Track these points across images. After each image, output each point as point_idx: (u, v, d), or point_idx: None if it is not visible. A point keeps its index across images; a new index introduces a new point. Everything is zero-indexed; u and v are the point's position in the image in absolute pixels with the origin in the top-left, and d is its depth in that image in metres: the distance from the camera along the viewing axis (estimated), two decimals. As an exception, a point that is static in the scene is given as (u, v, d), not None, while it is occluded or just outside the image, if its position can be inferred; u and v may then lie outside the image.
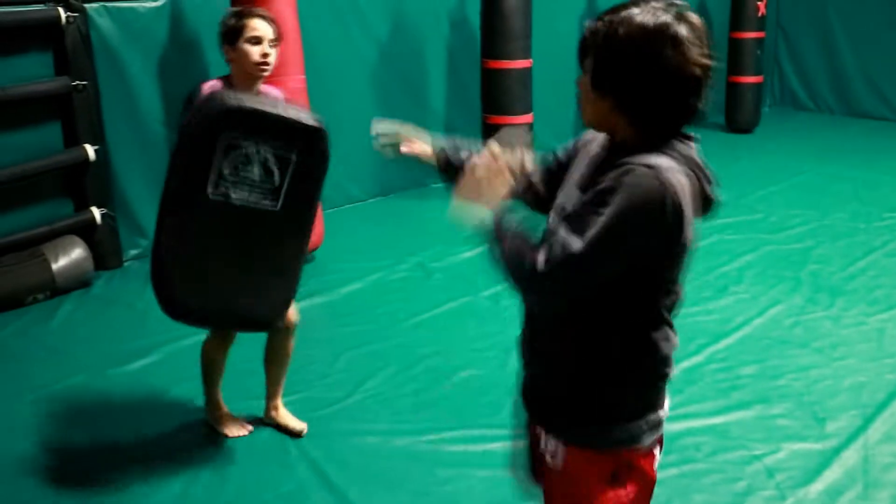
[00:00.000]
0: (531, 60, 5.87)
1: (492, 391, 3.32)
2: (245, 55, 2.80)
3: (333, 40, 5.54)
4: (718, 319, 3.96)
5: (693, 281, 4.39)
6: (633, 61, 1.48)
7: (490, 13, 5.72)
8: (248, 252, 2.64)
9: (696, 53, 1.50)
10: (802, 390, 3.34)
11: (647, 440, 1.66)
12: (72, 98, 4.40)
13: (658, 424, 1.68)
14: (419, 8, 6.00)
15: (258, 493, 2.75)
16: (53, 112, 4.45)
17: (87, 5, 4.44)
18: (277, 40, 2.88)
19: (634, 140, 1.54)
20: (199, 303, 2.65)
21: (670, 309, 1.64)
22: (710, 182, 1.67)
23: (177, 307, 2.65)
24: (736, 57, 7.79)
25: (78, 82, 4.39)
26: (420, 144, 1.97)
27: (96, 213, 4.57)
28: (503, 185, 1.62)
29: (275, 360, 3.07)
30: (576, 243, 1.42)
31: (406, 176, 6.17)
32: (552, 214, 1.65)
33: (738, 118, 7.95)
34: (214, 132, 2.47)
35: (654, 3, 1.53)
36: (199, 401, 3.20)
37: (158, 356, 3.66)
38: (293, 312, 2.98)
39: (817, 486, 2.73)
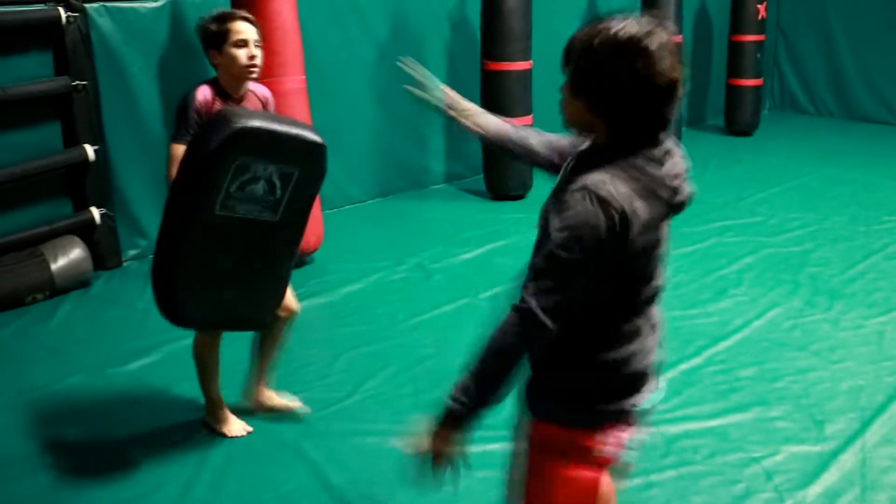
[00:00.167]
0: (531, 62, 5.88)
1: (491, 392, 3.31)
2: (233, 59, 2.83)
3: (333, 41, 5.54)
4: (717, 322, 3.97)
5: (692, 283, 4.40)
6: (607, 70, 1.62)
7: (490, 15, 5.73)
8: (246, 259, 2.71)
9: (664, 66, 1.61)
10: (801, 393, 3.34)
11: (606, 425, 1.74)
12: (72, 98, 4.40)
13: (621, 413, 1.75)
14: (419, 9, 6.00)
15: (257, 494, 2.75)
16: (53, 112, 4.45)
17: (87, 5, 4.44)
18: (261, 40, 2.91)
19: (607, 141, 1.67)
20: (201, 311, 2.72)
21: (649, 300, 1.74)
22: (673, 184, 1.74)
23: (180, 316, 2.72)
24: (736, 60, 7.80)
25: (78, 82, 4.40)
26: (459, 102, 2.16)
27: (95, 213, 4.57)
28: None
29: (271, 346, 3.11)
30: (530, 299, 1.59)
31: (405, 177, 6.18)
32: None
33: (738, 121, 7.97)
34: (229, 156, 2.51)
35: (632, 18, 1.67)
36: (199, 401, 3.19)
37: (157, 356, 3.66)
38: (293, 301, 3.02)
39: (815, 489, 2.74)
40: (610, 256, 1.60)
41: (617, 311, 1.71)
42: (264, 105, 3.02)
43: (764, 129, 8.14)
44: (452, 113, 2.17)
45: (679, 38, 6.90)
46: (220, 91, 2.86)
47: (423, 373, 3.49)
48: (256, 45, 2.87)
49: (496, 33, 5.72)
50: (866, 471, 2.83)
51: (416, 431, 1.76)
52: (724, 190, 6.20)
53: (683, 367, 3.54)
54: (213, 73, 2.99)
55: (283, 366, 3.53)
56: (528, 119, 5.89)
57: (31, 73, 4.32)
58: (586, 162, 1.67)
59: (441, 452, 1.72)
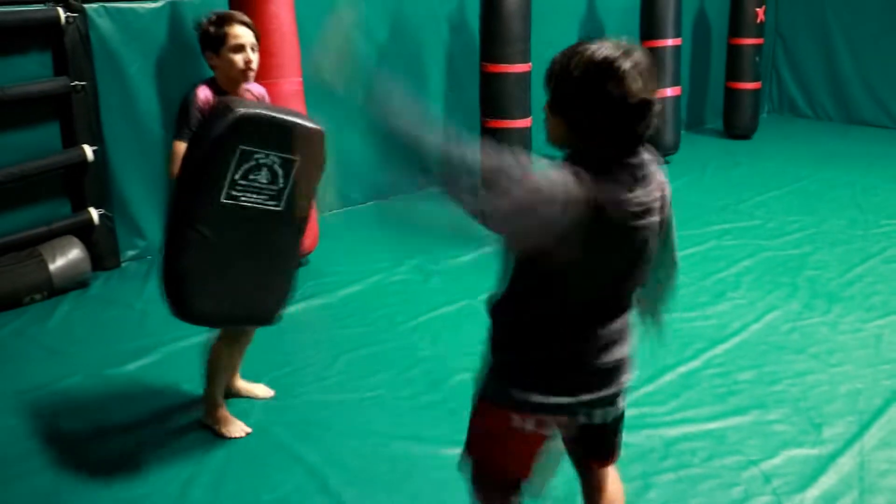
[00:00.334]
0: (530, 64, 5.88)
1: (489, 395, 3.32)
2: (230, 63, 2.88)
3: (333, 43, 5.54)
4: (716, 325, 3.97)
5: (690, 286, 4.41)
6: (582, 89, 1.73)
7: (489, 17, 5.72)
8: (254, 251, 2.73)
9: (636, 86, 1.73)
10: (799, 396, 3.34)
11: (527, 412, 1.87)
12: (70, 98, 4.40)
13: (540, 407, 1.86)
14: (418, 11, 6.00)
15: (256, 495, 2.75)
16: (52, 112, 4.45)
17: (86, 6, 4.44)
18: (258, 43, 2.94)
19: (584, 155, 1.77)
20: (213, 307, 2.72)
21: (586, 315, 1.85)
22: (636, 210, 1.78)
23: (192, 315, 2.73)
24: (735, 63, 7.80)
25: (77, 83, 4.39)
26: None
27: (94, 213, 4.57)
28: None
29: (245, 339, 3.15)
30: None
31: (404, 179, 6.17)
32: None
33: (737, 124, 7.97)
34: (231, 143, 2.54)
35: (609, 42, 1.76)
36: (198, 401, 3.19)
37: (156, 357, 3.66)
38: None
39: (813, 492, 2.74)
40: (566, 227, 1.67)
41: (545, 309, 1.83)
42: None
43: (762, 133, 8.15)
44: None
45: (679, 41, 6.92)
46: (218, 90, 2.89)
47: (422, 374, 3.49)
48: (253, 50, 2.91)
49: (495, 35, 5.72)
50: (864, 474, 2.83)
51: None
52: (723, 193, 6.21)
53: (682, 369, 3.54)
54: (211, 73, 3.00)
55: (281, 367, 3.54)
56: (528, 121, 5.89)
57: (31, 73, 4.32)
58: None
59: None
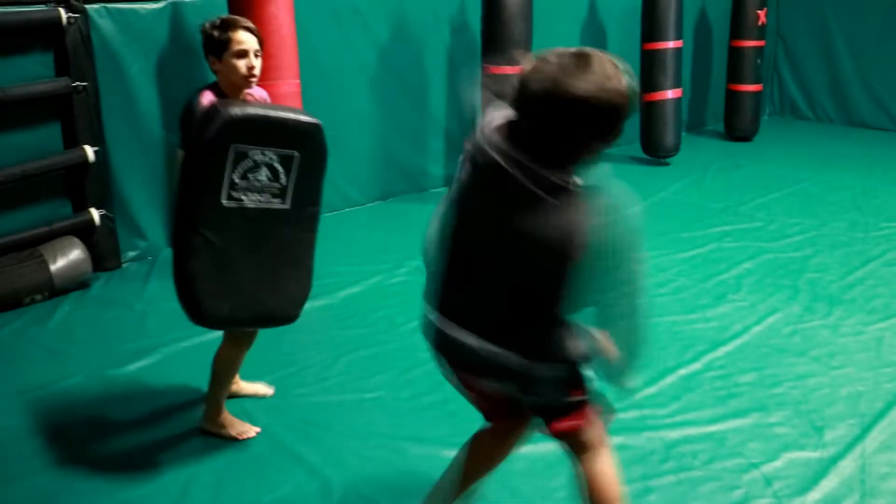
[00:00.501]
0: (531, 66, 5.87)
1: (490, 396, 3.32)
2: (232, 69, 2.89)
3: (334, 44, 5.54)
4: (716, 327, 3.97)
5: (691, 288, 4.41)
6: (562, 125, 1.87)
7: (490, 19, 5.72)
8: (265, 252, 2.74)
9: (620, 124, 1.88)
10: (800, 399, 3.34)
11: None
12: (72, 99, 4.40)
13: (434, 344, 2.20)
14: (420, 13, 6.01)
15: (256, 496, 2.74)
16: (53, 113, 4.45)
17: (88, 6, 4.44)
18: (261, 49, 2.95)
19: None
20: (228, 310, 2.70)
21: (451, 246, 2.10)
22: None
23: (207, 318, 2.72)
24: (736, 65, 7.81)
25: (78, 83, 4.40)
26: None
27: (95, 214, 4.57)
28: None
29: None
30: None
31: (405, 180, 6.17)
32: None
33: (738, 126, 7.97)
34: (224, 145, 2.55)
35: (590, 72, 1.83)
36: (198, 403, 3.19)
37: (157, 357, 3.66)
38: None
39: (814, 495, 2.73)
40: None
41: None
42: None
43: (763, 135, 8.15)
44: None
45: (680, 43, 6.91)
46: (220, 95, 2.90)
47: (423, 376, 3.48)
48: (256, 55, 2.92)
49: (497, 38, 5.72)
50: (865, 477, 2.83)
51: None
52: (724, 195, 6.21)
53: (682, 372, 3.54)
54: (212, 75, 3.01)
55: (282, 368, 3.54)
56: (529, 123, 5.88)
57: (32, 73, 4.32)
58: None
59: None
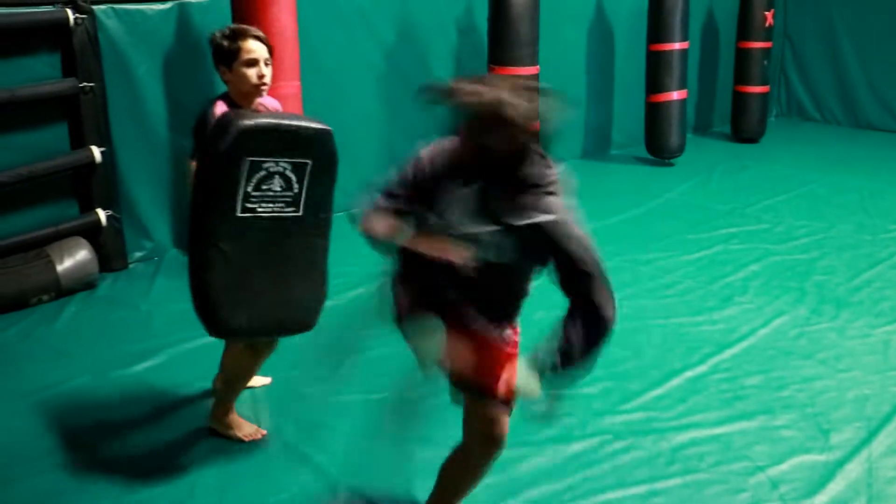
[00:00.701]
0: (538, 67, 5.88)
1: (495, 398, 3.31)
2: (243, 78, 2.88)
3: (340, 46, 5.54)
4: (723, 329, 3.96)
5: (697, 290, 4.40)
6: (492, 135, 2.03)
7: (497, 20, 5.73)
8: (280, 260, 2.74)
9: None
10: (807, 402, 3.33)
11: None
12: (79, 99, 4.41)
13: None
14: (426, 14, 6.00)
15: (262, 498, 2.75)
16: (60, 113, 4.45)
17: (95, 7, 4.45)
18: (271, 57, 2.94)
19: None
20: (245, 321, 2.71)
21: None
22: None
23: (224, 329, 2.73)
24: (743, 67, 7.81)
25: (85, 84, 4.40)
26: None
27: (102, 214, 4.57)
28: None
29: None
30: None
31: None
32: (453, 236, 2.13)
33: (745, 128, 7.96)
34: (238, 157, 2.55)
35: (521, 98, 2.05)
36: (204, 403, 3.20)
37: (163, 358, 3.66)
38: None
39: (821, 499, 2.73)
40: None
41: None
42: None
43: (770, 137, 8.13)
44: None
45: (686, 45, 6.90)
46: (232, 105, 2.89)
47: (427, 379, 3.47)
48: (266, 64, 2.91)
49: (503, 38, 5.72)
50: (872, 481, 2.82)
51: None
52: (730, 197, 6.19)
53: (689, 374, 3.53)
54: (218, 78, 3.01)
55: (287, 368, 3.54)
56: (535, 124, 5.88)
57: (39, 74, 4.33)
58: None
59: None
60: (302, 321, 2.87)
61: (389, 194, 2.25)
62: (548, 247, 2.04)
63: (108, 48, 4.53)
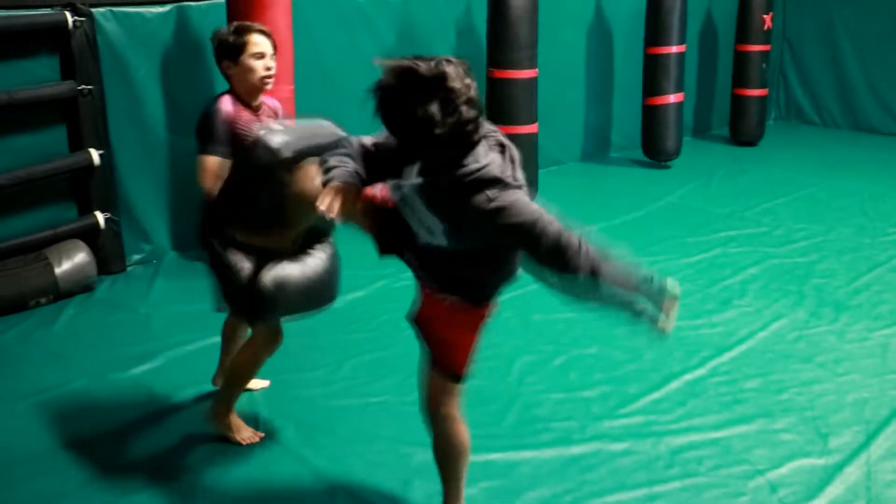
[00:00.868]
0: (537, 70, 5.88)
1: (494, 401, 3.31)
2: (250, 70, 2.89)
3: (341, 48, 5.54)
4: (722, 332, 3.96)
5: (696, 293, 4.39)
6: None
7: (496, 22, 5.73)
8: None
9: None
10: (805, 405, 3.33)
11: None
12: (77, 102, 4.40)
13: None
14: (426, 16, 6.01)
15: (261, 500, 2.74)
16: (59, 116, 4.45)
17: (94, 10, 4.44)
18: (276, 52, 2.97)
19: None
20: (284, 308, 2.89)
21: None
22: None
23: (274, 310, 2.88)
24: (741, 70, 7.81)
25: (84, 86, 4.40)
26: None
27: (100, 217, 4.57)
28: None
29: (241, 337, 3.22)
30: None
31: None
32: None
33: (743, 131, 7.96)
34: (266, 172, 2.60)
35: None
36: (201, 406, 3.19)
37: (161, 361, 3.66)
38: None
39: (820, 502, 2.73)
40: None
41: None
42: (275, 116, 3.09)
43: (769, 140, 8.14)
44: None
45: (683, 48, 6.90)
46: (238, 101, 2.92)
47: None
48: (272, 58, 2.91)
49: (502, 41, 5.72)
50: (871, 484, 2.82)
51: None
52: (729, 200, 6.19)
53: (688, 377, 3.53)
54: (219, 79, 3.01)
55: (287, 371, 3.54)
56: (534, 127, 5.89)
57: (38, 76, 4.32)
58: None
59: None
60: (329, 300, 3.11)
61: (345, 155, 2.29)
62: (498, 232, 2.07)
63: (107, 51, 4.53)
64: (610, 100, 7.54)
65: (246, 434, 3.05)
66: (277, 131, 2.64)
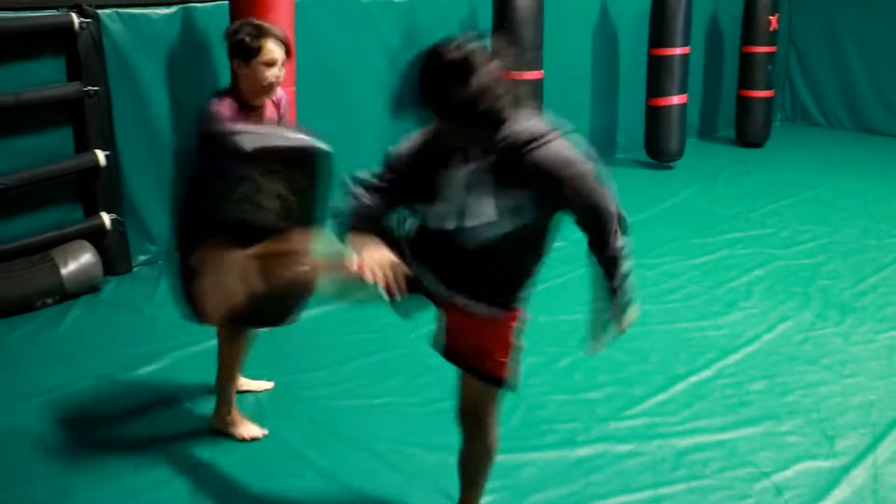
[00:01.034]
0: (542, 72, 5.87)
1: (499, 403, 3.31)
2: (258, 75, 2.89)
3: (346, 50, 5.55)
4: (727, 334, 3.95)
5: (702, 295, 4.39)
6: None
7: (502, 24, 5.73)
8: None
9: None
10: (811, 407, 3.32)
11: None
12: (83, 103, 4.41)
13: None
14: (430, 18, 6.00)
15: (265, 501, 2.74)
16: (65, 117, 4.46)
17: (100, 11, 4.45)
18: (287, 59, 2.97)
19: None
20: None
21: None
22: None
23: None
24: (747, 71, 7.79)
25: (90, 88, 4.41)
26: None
27: (106, 218, 4.58)
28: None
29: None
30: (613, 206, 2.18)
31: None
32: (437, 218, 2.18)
33: (749, 132, 7.95)
34: (226, 168, 2.59)
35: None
36: (207, 407, 3.20)
37: (167, 361, 3.66)
38: None
39: (826, 505, 2.72)
40: None
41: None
42: (277, 106, 3.08)
43: (775, 141, 8.12)
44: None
45: (687, 50, 6.89)
46: (238, 100, 2.91)
47: (432, 381, 3.47)
48: (282, 66, 2.93)
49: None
50: (878, 487, 2.81)
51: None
52: (735, 201, 6.18)
53: (693, 379, 3.52)
54: (224, 80, 3.01)
55: (291, 372, 3.54)
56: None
57: (44, 78, 4.33)
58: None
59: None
60: (281, 316, 2.93)
61: (367, 188, 2.24)
62: (554, 191, 2.07)
63: (113, 52, 4.54)
64: (615, 102, 7.54)
65: (248, 430, 3.07)
66: (239, 129, 2.68)
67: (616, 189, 2.18)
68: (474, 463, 2.48)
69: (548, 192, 2.08)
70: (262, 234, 2.69)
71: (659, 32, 6.83)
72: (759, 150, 7.91)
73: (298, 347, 3.78)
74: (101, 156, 4.48)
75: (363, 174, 2.27)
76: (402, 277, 2.09)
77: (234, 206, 2.62)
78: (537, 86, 5.85)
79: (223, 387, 3.08)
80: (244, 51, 2.89)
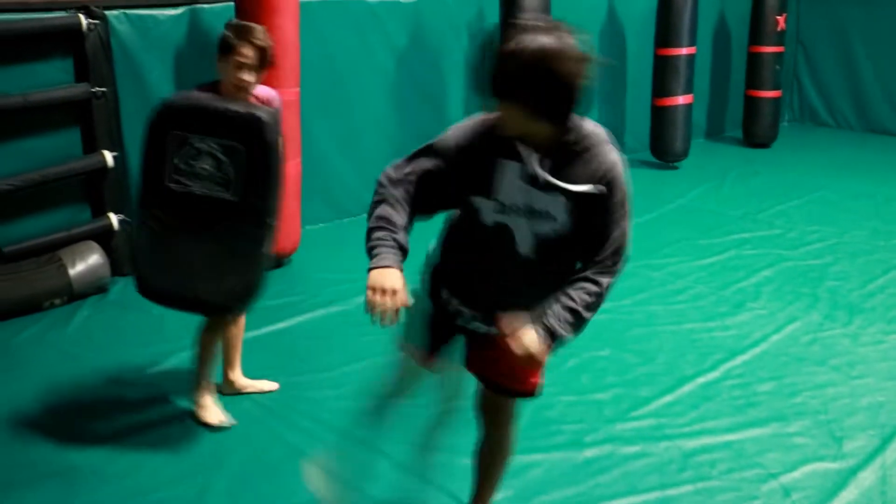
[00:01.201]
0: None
1: (506, 404, 3.30)
2: (229, 73, 2.98)
3: (353, 50, 5.55)
4: (735, 335, 3.94)
5: (710, 296, 4.38)
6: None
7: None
8: (209, 239, 2.86)
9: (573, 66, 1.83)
10: (819, 408, 3.31)
11: None
12: (91, 104, 4.42)
13: None
14: (438, 19, 6.01)
15: (273, 502, 2.75)
16: (73, 118, 4.47)
17: (107, 12, 4.46)
18: (263, 66, 3.01)
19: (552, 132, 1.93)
20: (167, 286, 2.92)
21: None
22: None
23: (147, 290, 2.95)
24: (755, 71, 7.78)
25: (97, 89, 4.42)
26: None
27: (114, 219, 4.59)
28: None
29: (230, 344, 3.30)
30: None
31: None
32: (495, 210, 2.05)
33: (757, 132, 7.93)
34: (162, 130, 2.78)
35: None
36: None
37: (174, 362, 3.66)
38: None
39: (834, 507, 2.72)
40: None
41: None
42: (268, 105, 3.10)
43: (782, 142, 8.11)
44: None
45: (693, 50, 6.88)
46: (217, 93, 2.98)
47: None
48: (252, 72, 2.97)
49: (514, 43, 5.71)
50: (886, 489, 2.80)
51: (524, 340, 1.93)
52: (742, 202, 6.17)
53: (701, 380, 3.52)
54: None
55: (299, 373, 3.54)
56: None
57: (52, 79, 4.34)
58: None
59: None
60: (220, 303, 2.96)
61: (399, 186, 2.15)
62: (598, 201, 1.94)
63: (121, 53, 4.55)
64: (622, 101, 7.53)
65: (211, 416, 3.15)
66: (181, 93, 2.90)
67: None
68: (496, 461, 2.48)
69: (590, 201, 1.95)
70: (204, 207, 2.80)
71: (665, 32, 6.82)
72: (766, 151, 7.90)
73: (306, 348, 3.79)
74: (108, 156, 4.49)
75: (394, 172, 2.17)
76: (398, 308, 1.97)
77: (173, 173, 2.76)
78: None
79: (197, 369, 3.19)
80: (221, 46, 2.99)
